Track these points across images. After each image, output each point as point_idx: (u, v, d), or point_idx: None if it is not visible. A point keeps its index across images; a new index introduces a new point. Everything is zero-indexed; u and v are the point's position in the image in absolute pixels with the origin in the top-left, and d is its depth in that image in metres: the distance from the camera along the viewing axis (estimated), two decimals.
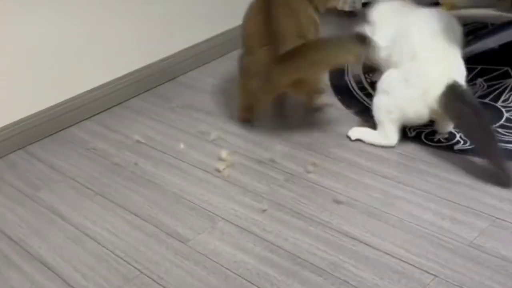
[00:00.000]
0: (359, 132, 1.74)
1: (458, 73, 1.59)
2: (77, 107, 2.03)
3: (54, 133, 1.99)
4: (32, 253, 1.46)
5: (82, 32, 1.98)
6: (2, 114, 1.87)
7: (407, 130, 1.75)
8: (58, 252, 1.46)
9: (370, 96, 1.87)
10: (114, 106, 2.12)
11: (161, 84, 2.22)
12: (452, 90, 1.53)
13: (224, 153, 1.73)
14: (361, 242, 1.38)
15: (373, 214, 1.46)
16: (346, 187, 1.57)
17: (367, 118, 1.79)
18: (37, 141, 1.95)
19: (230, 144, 1.81)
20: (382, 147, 1.70)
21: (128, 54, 2.12)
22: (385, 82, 1.65)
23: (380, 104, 1.66)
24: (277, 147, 1.76)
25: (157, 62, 2.20)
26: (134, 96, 2.17)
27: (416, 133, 1.74)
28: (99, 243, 1.47)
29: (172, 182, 1.67)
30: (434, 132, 1.74)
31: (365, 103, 1.92)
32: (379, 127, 1.69)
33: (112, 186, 1.69)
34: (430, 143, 1.69)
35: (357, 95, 1.98)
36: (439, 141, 1.70)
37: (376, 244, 1.37)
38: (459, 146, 1.67)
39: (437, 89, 1.54)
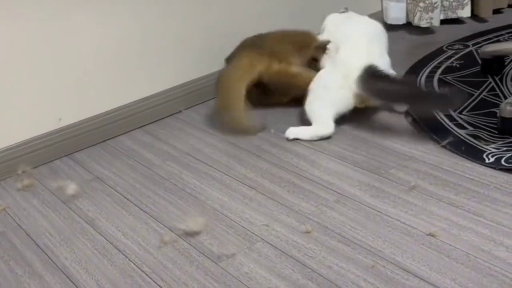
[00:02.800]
0: (295, 130, 1.74)
1: (379, 63, 1.70)
2: (128, 116, 1.94)
3: (102, 141, 1.91)
4: (57, 263, 1.36)
5: (139, 39, 1.90)
6: (50, 120, 1.80)
7: (484, 156, 1.53)
8: (83, 264, 1.35)
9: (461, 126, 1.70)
10: (167, 116, 2.02)
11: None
12: (366, 71, 1.65)
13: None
14: (417, 276, 1.18)
15: (434, 245, 1.26)
16: (404, 213, 1.37)
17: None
18: (84, 149, 1.87)
19: None
20: (322, 139, 1.71)
21: (188, 63, 2.02)
22: (315, 79, 1.76)
23: (311, 98, 1.74)
24: (329, 164, 1.60)
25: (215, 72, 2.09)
26: (188, 108, 2.06)
27: (495, 159, 1.51)
28: (126, 257, 1.35)
29: (213, 196, 1.54)
30: None
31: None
32: (313, 121, 1.73)
33: (151, 197, 1.57)
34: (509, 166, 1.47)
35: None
36: None
37: (434, 280, 1.17)
38: None
39: (355, 72, 1.66)
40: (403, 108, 1.80)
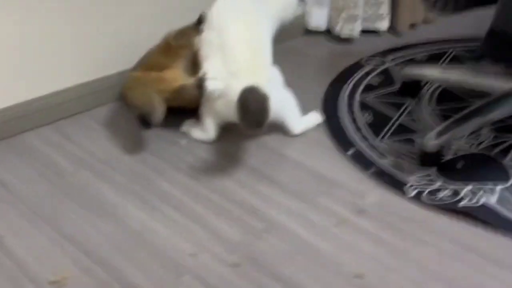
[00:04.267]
0: (187, 124, 1.78)
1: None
2: (35, 111, 1.79)
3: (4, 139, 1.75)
4: None
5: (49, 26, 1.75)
6: None
7: (405, 189, 1.56)
8: None
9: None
10: (79, 113, 1.89)
11: None
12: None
13: None
14: None
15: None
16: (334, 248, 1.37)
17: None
18: None
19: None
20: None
21: (102, 57, 1.90)
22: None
23: (204, 104, 1.71)
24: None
25: None
26: (104, 105, 1.94)
27: (416, 193, 1.55)
28: None
29: (135, 216, 1.45)
30: (435, 191, 1.55)
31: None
32: (201, 122, 1.74)
33: (64, 212, 1.46)
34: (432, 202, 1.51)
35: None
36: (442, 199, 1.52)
37: None
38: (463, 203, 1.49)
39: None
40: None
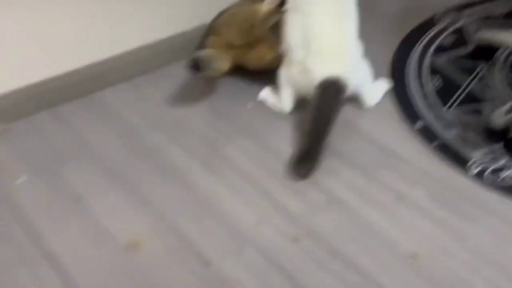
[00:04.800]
0: (265, 92, 1.82)
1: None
2: (115, 69, 1.89)
3: (89, 94, 1.85)
4: (47, 250, 1.37)
5: None
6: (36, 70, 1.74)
7: (468, 165, 1.58)
8: (72, 252, 1.37)
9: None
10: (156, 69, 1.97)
11: None
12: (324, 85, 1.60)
13: None
14: None
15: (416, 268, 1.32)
16: (391, 226, 1.43)
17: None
18: (69, 101, 1.82)
19: None
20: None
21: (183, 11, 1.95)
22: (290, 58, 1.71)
23: (284, 73, 1.73)
24: None
25: None
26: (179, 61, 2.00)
27: (478, 171, 1.56)
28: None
29: (204, 182, 1.55)
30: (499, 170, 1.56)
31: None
32: (279, 92, 1.76)
33: (141, 174, 1.57)
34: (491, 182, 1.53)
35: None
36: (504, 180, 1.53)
37: None
38: None
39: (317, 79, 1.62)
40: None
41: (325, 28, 1.68)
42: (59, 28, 1.74)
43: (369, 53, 1.76)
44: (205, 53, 1.76)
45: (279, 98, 1.77)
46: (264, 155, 1.64)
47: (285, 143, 1.67)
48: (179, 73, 1.90)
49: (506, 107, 1.64)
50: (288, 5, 1.73)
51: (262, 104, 1.82)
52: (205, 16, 1.92)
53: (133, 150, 1.65)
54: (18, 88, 1.73)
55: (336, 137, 1.65)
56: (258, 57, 1.80)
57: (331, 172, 1.57)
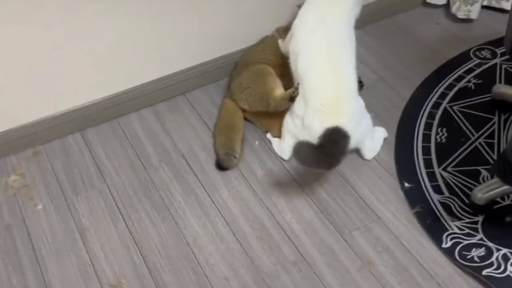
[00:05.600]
0: (274, 140, 1.88)
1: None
2: (140, 96, 2.05)
3: (114, 118, 2.04)
4: (45, 278, 1.60)
5: (151, 27, 1.95)
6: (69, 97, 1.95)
7: (444, 237, 1.62)
8: (64, 285, 1.59)
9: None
10: (177, 95, 2.12)
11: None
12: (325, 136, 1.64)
13: None
14: None
15: None
16: None
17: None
18: (96, 126, 2.02)
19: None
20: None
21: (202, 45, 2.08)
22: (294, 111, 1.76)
23: (288, 124, 1.79)
24: (303, 208, 1.72)
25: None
26: (198, 88, 2.14)
27: (451, 244, 1.60)
28: (101, 286, 1.58)
29: (191, 226, 1.71)
30: (471, 246, 1.59)
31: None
32: (281, 139, 1.84)
33: (138, 212, 1.76)
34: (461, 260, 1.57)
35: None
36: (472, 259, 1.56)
37: None
38: (489, 270, 1.53)
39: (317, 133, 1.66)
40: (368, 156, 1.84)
41: (322, 84, 1.71)
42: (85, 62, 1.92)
43: (388, 87, 1.77)
44: (224, 153, 1.85)
45: (282, 147, 1.84)
46: (254, 203, 1.76)
47: (281, 191, 1.77)
48: (196, 99, 2.07)
49: (486, 184, 1.64)
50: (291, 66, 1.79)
51: (269, 142, 1.92)
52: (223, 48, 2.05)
53: (142, 184, 1.83)
54: (50, 115, 1.95)
55: (325, 187, 1.75)
56: (269, 124, 1.91)
57: (307, 228, 1.67)
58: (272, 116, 1.88)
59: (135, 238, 1.69)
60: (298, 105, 1.75)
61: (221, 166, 1.84)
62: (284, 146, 1.83)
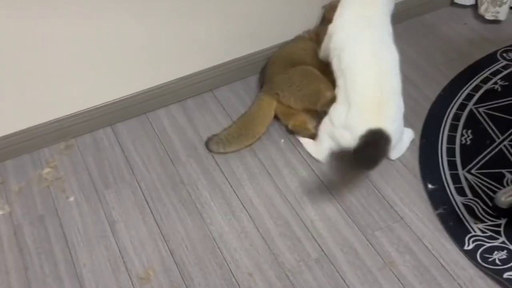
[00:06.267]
0: (307, 143, 1.90)
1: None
2: (168, 92, 2.10)
3: (143, 113, 2.10)
4: (77, 268, 1.67)
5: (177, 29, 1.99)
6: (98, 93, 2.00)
7: (466, 239, 1.64)
8: (95, 276, 1.65)
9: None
10: (204, 92, 2.16)
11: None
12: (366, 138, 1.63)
13: None
14: None
15: None
16: None
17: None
18: (126, 120, 2.07)
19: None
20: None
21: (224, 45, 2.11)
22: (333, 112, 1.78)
23: (326, 126, 1.79)
24: (327, 206, 1.76)
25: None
26: (225, 85, 2.18)
27: (474, 246, 1.62)
28: (130, 278, 1.64)
29: (217, 221, 1.75)
30: (493, 249, 1.61)
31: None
32: (317, 141, 1.85)
33: (166, 206, 1.81)
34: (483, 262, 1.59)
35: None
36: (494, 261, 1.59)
37: None
38: (510, 273, 1.55)
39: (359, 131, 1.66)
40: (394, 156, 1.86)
41: (367, 83, 1.71)
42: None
43: (415, 89, 1.79)
44: (220, 136, 1.94)
45: (317, 147, 1.86)
46: (279, 200, 1.80)
47: (305, 190, 1.81)
48: (224, 96, 2.12)
49: (510, 187, 1.66)
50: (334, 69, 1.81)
51: (295, 140, 1.95)
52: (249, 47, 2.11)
53: (170, 178, 1.88)
54: (83, 110, 2.00)
55: (347, 189, 1.78)
56: (298, 121, 1.95)
57: (330, 227, 1.71)
58: (303, 115, 1.93)
59: (163, 231, 1.74)
60: (340, 105, 1.76)
61: (207, 144, 1.95)
62: (321, 148, 1.83)
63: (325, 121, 1.81)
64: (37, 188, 1.88)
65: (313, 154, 1.88)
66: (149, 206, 1.81)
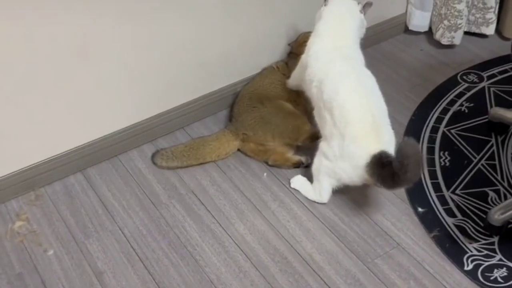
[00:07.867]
0: (299, 182, 1.86)
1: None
2: (140, 132, 2.04)
3: (114, 156, 2.01)
4: None
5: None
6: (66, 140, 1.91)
7: (464, 259, 1.65)
8: None
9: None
10: (176, 130, 2.11)
11: None
12: (375, 159, 1.59)
13: None
14: None
15: None
16: None
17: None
18: (96, 164, 1.98)
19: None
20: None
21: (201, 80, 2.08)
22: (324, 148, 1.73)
23: (321, 165, 1.74)
24: (323, 239, 1.73)
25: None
26: (197, 121, 2.14)
27: (473, 266, 1.64)
28: None
29: (212, 263, 1.68)
30: (492, 267, 1.64)
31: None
32: (314, 183, 1.80)
33: (155, 252, 1.72)
34: (485, 281, 1.60)
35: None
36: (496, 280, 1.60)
37: None
38: None
39: (362, 161, 1.62)
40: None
41: (359, 110, 1.67)
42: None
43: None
44: (167, 149, 1.96)
45: (317, 190, 1.80)
46: (270, 234, 1.76)
47: (297, 222, 1.77)
48: (196, 132, 2.06)
49: (503, 205, 1.70)
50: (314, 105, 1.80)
51: (277, 172, 1.93)
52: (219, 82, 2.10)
53: (154, 222, 1.79)
54: (51, 157, 1.89)
55: (339, 214, 1.77)
56: (273, 154, 1.95)
57: (327, 256, 1.68)
58: (279, 147, 1.93)
59: (156, 279, 1.65)
60: (331, 140, 1.70)
61: (152, 157, 1.97)
62: (321, 189, 1.78)
63: (319, 160, 1.75)
64: (10, 244, 1.75)
65: (315, 199, 1.82)
66: (136, 253, 1.71)
